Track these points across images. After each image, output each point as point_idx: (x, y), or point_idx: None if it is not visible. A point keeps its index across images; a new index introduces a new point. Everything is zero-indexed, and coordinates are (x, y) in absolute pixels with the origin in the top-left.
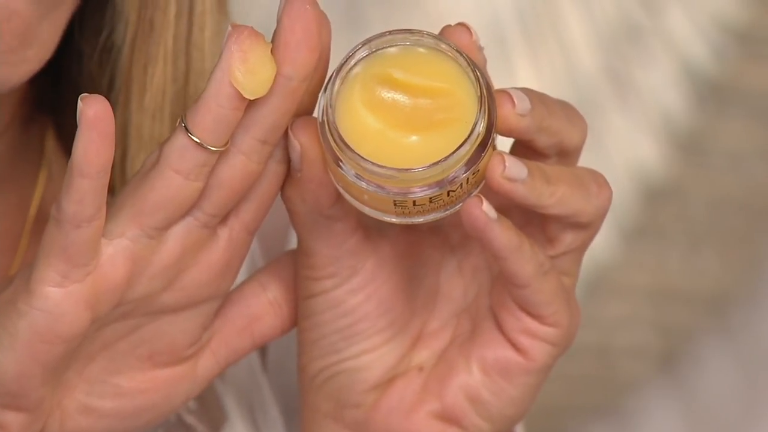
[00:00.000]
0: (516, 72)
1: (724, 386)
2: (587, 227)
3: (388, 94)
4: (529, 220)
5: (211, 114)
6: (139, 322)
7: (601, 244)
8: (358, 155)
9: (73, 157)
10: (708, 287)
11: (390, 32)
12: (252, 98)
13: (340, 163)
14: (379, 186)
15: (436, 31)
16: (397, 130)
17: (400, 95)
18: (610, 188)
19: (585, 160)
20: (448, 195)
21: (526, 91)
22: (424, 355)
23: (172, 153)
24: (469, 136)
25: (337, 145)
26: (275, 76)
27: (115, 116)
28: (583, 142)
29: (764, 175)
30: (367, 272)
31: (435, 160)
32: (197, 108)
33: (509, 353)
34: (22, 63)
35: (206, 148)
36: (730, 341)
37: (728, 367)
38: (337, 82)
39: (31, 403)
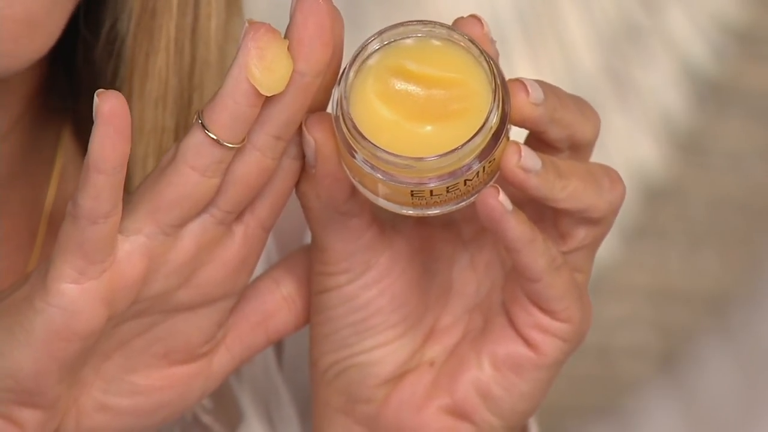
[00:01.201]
0: (516, 72)
1: (724, 386)
2: (599, 223)
3: (402, 86)
4: (543, 215)
5: (227, 111)
6: (155, 320)
7: (602, 245)
8: (374, 145)
9: (89, 153)
10: (708, 287)
11: (402, 24)
12: (269, 95)
13: (355, 155)
14: (395, 177)
15: None
16: (412, 120)
17: (414, 86)
18: (623, 184)
19: None
20: (465, 184)
21: (540, 82)
22: (435, 350)
23: (188, 150)
24: (483, 125)
25: (352, 136)
26: None
27: None
28: (595, 136)
29: (764, 175)
30: (381, 267)
31: (450, 149)
32: (214, 105)
33: (520, 348)
34: (25, 50)
35: (223, 145)
36: (730, 341)
37: (728, 367)
38: (351, 74)
39: (48, 401)
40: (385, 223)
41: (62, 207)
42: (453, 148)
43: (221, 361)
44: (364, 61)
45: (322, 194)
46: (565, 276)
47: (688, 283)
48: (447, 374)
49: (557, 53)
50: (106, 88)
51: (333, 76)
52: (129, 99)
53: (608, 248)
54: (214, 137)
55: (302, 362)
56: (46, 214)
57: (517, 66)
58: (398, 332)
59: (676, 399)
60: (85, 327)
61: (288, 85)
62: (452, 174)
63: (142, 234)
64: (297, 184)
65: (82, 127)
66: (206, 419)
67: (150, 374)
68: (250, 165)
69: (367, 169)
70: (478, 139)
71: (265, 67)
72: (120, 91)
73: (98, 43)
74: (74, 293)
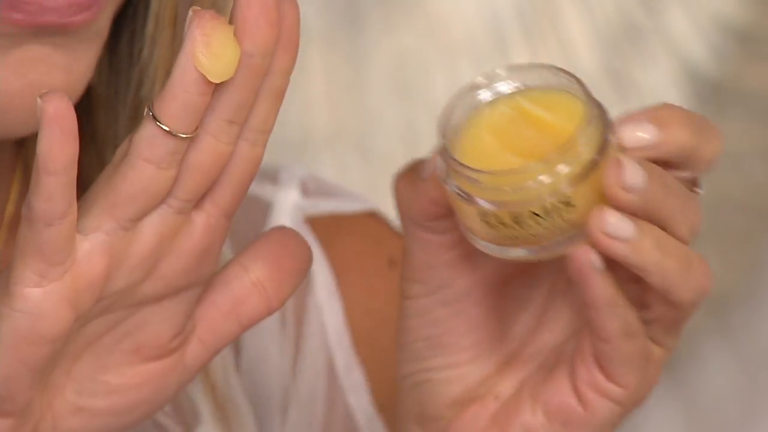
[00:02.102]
0: None
1: (724, 386)
2: (678, 307)
3: (516, 126)
4: (634, 278)
5: (177, 101)
6: (122, 315)
7: None
8: (473, 169)
9: (37, 156)
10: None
11: (523, 66)
12: (218, 81)
13: (463, 197)
14: (497, 202)
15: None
16: (519, 158)
17: (527, 128)
18: (711, 280)
19: None
20: (561, 218)
21: (647, 166)
22: (505, 384)
23: (141, 143)
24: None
25: (456, 171)
26: None
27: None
28: (696, 231)
29: (764, 175)
30: (460, 288)
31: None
32: (164, 96)
33: (572, 402)
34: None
35: (175, 136)
36: (730, 341)
37: (728, 367)
38: (464, 106)
39: (18, 407)
40: (475, 249)
41: (21, 213)
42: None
43: (194, 352)
44: (481, 96)
45: (414, 206)
46: (637, 344)
47: None
48: (505, 411)
49: (557, 53)
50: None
51: (290, 59)
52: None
53: None
54: (167, 129)
55: (259, 365)
56: (8, 222)
57: None
58: (470, 356)
59: (676, 399)
60: (51, 329)
61: (237, 68)
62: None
63: (101, 231)
64: (399, 181)
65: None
66: (164, 420)
67: (123, 372)
68: (205, 152)
69: (480, 206)
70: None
71: (212, 54)
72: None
73: (118, 105)
74: (37, 297)
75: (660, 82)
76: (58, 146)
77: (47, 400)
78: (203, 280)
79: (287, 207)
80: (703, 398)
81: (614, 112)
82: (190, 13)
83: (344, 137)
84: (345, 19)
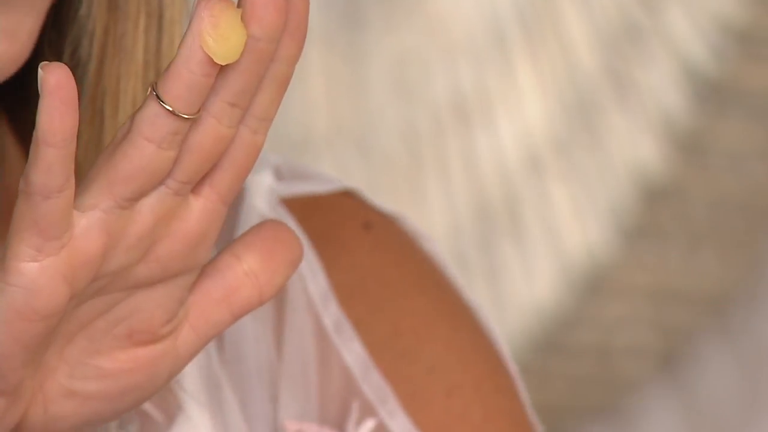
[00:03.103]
0: (516, 73)
1: (723, 386)
2: None
3: None
4: None
5: (182, 81)
6: (116, 298)
7: (602, 244)
8: None
9: (37, 127)
10: (708, 287)
11: None
12: (224, 63)
13: None
14: None
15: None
16: None
17: None
18: None
19: (585, 161)
20: None
21: None
22: None
23: (143, 121)
24: None
25: None
26: None
27: (81, 130)
28: None
29: (764, 175)
30: None
31: None
32: (168, 75)
33: None
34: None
35: (178, 116)
36: (729, 341)
37: (728, 367)
38: None
39: (11, 386)
40: None
41: (2, 203)
42: None
43: (187, 340)
44: None
45: None
46: None
47: (688, 283)
48: None
49: (557, 53)
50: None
51: (296, 47)
52: (102, 122)
53: (608, 248)
54: (170, 108)
55: (242, 349)
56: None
57: (517, 66)
58: None
59: (675, 399)
60: (46, 305)
61: (242, 51)
62: None
63: (99, 209)
64: None
65: (23, 125)
66: (146, 406)
67: (115, 357)
68: (206, 133)
69: None
70: None
71: (219, 35)
72: (84, 115)
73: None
74: (33, 271)
75: (660, 82)
76: (59, 118)
77: (39, 381)
78: (197, 266)
79: (262, 190)
80: (703, 398)
81: (614, 112)
82: None
83: (344, 136)
84: (345, 18)
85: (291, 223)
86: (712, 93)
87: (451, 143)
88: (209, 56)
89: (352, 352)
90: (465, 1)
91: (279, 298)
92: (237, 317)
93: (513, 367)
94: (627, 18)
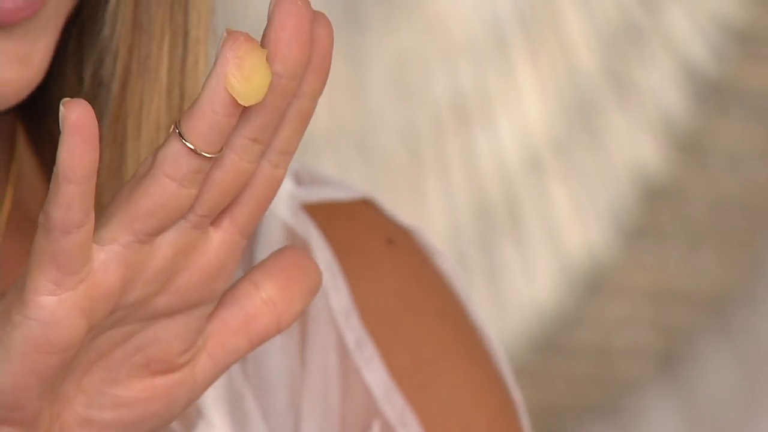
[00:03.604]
0: (516, 73)
1: (723, 386)
2: None
3: None
4: None
5: (205, 120)
6: (134, 329)
7: (601, 244)
8: None
9: (58, 164)
10: (708, 287)
11: None
12: (247, 105)
13: None
14: None
15: (435, 32)
16: None
17: None
18: None
19: (585, 161)
20: None
21: None
22: None
23: (165, 159)
24: None
25: None
26: None
27: (103, 150)
28: None
29: (764, 175)
30: None
31: None
32: (192, 114)
33: None
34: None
35: (200, 155)
36: (729, 341)
37: (728, 367)
38: None
39: (27, 417)
40: None
41: (16, 215)
42: None
43: (204, 368)
44: None
45: None
46: None
47: (688, 283)
48: None
49: (557, 53)
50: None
51: (320, 82)
52: (124, 143)
53: (608, 248)
54: (192, 147)
55: (266, 361)
56: (2, 222)
57: (517, 66)
58: None
59: (675, 399)
60: (64, 338)
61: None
62: None
63: (118, 243)
64: None
65: (39, 136)
66: None
67: (132, 386)
68: (227, 169)
69: None
70: None
71: (243, 77)
72: (107, 135)
73: (81, 86)
74: (52, 305)
75: (660, 82)
76: (80, 155)
77: (56, 411)
78: (216, 297)
79: (283, 196)
80: (703, 397)
81: (614, 112)
82: (224, 33)
83: (344, 136)
84: (345, 19)
85: (313, 229)
86: (712, 93)
87: (450, 143)
88: (233, 97)
89: (374, 371)
90: (465, 2)
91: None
92: (255, 346)
93: (517, 396)
94: (627, 18)
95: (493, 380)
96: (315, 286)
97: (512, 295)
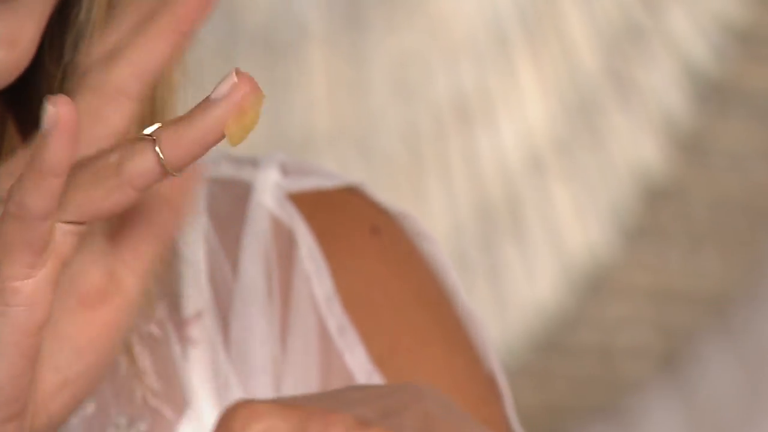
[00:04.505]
0: (518, 73)
1: (725, 386)
2: None
3: None
4: None
5: (191, 154)
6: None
7: (603, 244)
8: None
9: (41, 158)
10: (709, 287)
11: None
12: (233, 146)
13: None
14: None
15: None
16: None
17: None
18: None
19: (587, 161)
20: None
21: None
22: None
23: (138, 174)
24: None
25: None
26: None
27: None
28: None
29: (765, 175)
30: None
31: None
32: (179, 140)
33: None
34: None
35: (167, 173)
36: (731, 341)
37: (729, 367)
38: None
39: (22, 406)
40: None
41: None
42: None
43: (131, 284)
44: None
45: None
46: None
47: (690, 283)
48: None
49: (559, 53)
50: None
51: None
52: None
53: (610, 248)
54: (165, 167)
55: (247, 339)
56: None
57: (518, 66)
58: None
59: (677, 399)
60: (45, 316)
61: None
62: None
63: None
64: None
65: (28, 125)
66: (154, 402)
67: (81, 328)
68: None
69: None
70: None
71: (242, 125)
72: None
73: (59, 70)
74: (30, 287)
75: (661, 83)
76: (66, 151)
77: (33, 389)
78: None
79: (268, 185)
80: (705, 398)
81: (616, 112)
82: (233, 74)
83: (345, 137)
84: (346, 19)
85: (298, 219)
86: (714, 93)
87: (452, 143)
88: (224, 135)
89: (355, 356)
90: (466, 2)
91: (285, 298)
92: (166, 242)
93: (502, 382)
94: (628, 18)
95: (474, 369)
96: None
97: (513, 295)
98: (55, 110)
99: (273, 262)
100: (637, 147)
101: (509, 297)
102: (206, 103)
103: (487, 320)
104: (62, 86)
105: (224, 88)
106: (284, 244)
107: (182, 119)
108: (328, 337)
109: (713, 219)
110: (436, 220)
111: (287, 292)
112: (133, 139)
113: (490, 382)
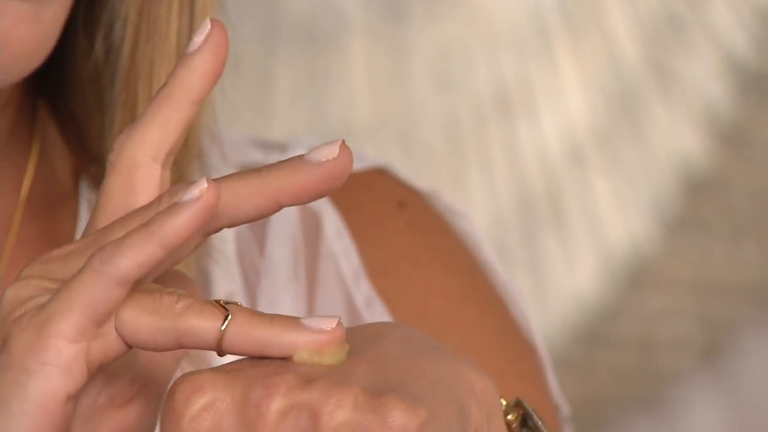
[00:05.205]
0: (559, 64)
1: (766, 378)
2: None
3: None
4: None
5: (248, 351)
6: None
7: (644, 236)
8: None
9: (161, 223)
10: (750, 279)
11: None
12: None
13: None
14: None
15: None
16: None
17: None
18: None
19: (628, 152)
20: None
21: None
22: None
23: (192, 339)
24: None
25: None
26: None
27: (116, 114)
28: None
29: None
30: None
31: None
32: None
33: None
34: (25, 66)
35: (219, 351)
36: None
37: None
38: None
39: None
40: None
41: (38, 190)
42: None
43: (150, 391)
44: None
45: None
46: None
47: (731, 275)
48: None
49: (600, 45)
50: (104, 92)
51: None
52: (134, 105)
53: (651, 240)
54: (221, 347)
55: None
56: (23, 198)
57: (559, 58)
58: None
59: (718, 391)
60: (76, 388)
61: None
62: None
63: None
64: None
65: (61, 114)
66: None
67: (108, 426)
68: None
69: None
70: None
71: (314, 359)
72: (118, 100)
73: (93, 50)
74: (71, 351)
75: (702, 73)
76: (189, 232)
77: None
78: None
79: None
80: (746, 390)
81: (657, 103)
82: (334, 323)
83: (386, 128)
84: (387, 10)
85: (325, 200)
86: (755, 84)
87: (493, 135)
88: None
89: None
90: None
91: (311, 277)
92: (181, 357)
93: (542, 351)
94: (669, 9)
95: (507, 331)
96: None
97: (554, 287)
98: (200, 192)
99: (299, 243)
100: (678, 138)
101: (550, 289)
102: (293, 323)
103: (528, 311)
104: (99, 61)
105: (319, 322)
106: (311, 225)
107: (262, 315)
108: (356, 311)
109: (754, 210)
110: (477, 211)
111: (313, 272)
112: (206, 301)
113: (527, 346)
